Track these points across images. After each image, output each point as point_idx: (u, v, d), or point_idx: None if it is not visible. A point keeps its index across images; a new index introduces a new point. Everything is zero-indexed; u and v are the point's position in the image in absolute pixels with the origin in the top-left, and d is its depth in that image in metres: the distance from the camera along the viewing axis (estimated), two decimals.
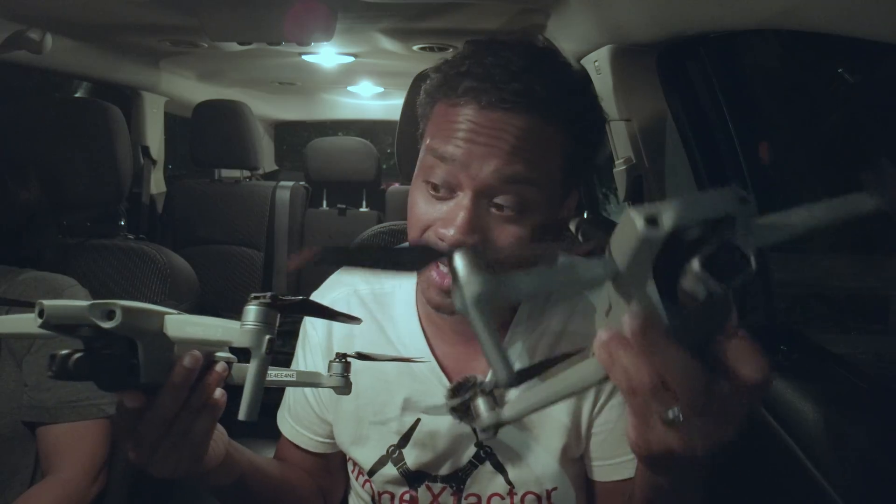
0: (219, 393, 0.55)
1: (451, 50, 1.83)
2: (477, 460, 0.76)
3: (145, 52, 2.08)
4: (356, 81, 2.83)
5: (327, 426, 0.83)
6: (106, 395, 0.92)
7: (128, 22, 1.61)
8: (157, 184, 2.64)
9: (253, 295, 0.47)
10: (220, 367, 0.54)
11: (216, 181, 2.57)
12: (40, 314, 0.46)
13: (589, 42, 1.15)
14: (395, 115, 1.08)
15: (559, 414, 0.74)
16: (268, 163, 3.81)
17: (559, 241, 1.21)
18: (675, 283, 0.33)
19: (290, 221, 2.56)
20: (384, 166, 3.12)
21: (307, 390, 0.83)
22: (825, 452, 0.69)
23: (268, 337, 0.46)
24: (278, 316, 0.47)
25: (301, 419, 0.84)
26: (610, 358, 0.36)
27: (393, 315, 0.80)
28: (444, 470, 0.77)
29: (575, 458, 0.76)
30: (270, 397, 0.48)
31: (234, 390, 0.56)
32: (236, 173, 2.70)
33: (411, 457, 0.77)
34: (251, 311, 0.47)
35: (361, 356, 0.64)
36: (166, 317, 0.50)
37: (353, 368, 0.64)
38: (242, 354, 0.51)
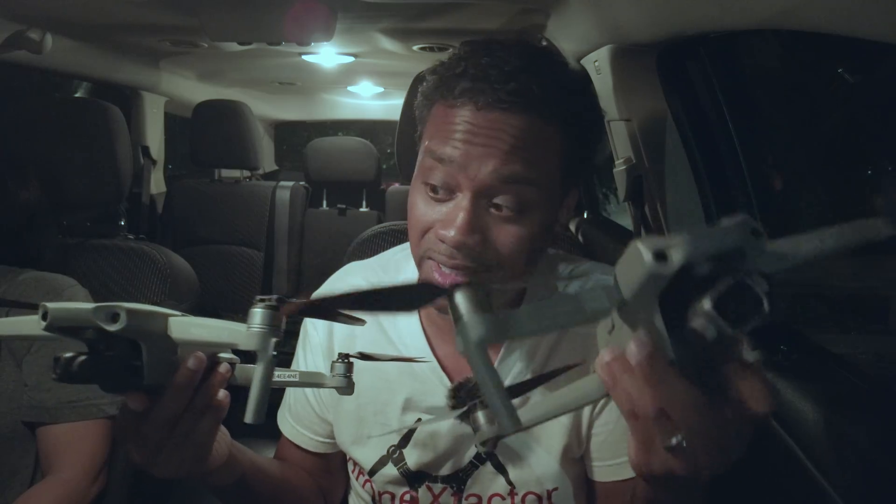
0: (222, 394, 0.55)
1: (451, 50, 1.82)
2: (478, 461, 0.76)
3: (145, 52, 2.07)
4: (356, 81, 2.83)
5: (328, 426, 0.83)
6: (106, 395, 0.92)
7: (128, 22, 1.61)
8: (157, 184, 2.64)
9: (258, 297, 0.47)
10: (223, 368, 0.54)
11: (216, 181, 2.56)
12: (44, 317, 0.45)
13: (589, 42, 1.15)
14: (395, 115, 1.08)
15: None
16: (268, 163, 3.81)
17: (559, 241, 1.21)
18: (682, 314, 0.32)
19: (290, 221, 2.56)
20: (384, 166, 3.12)
21: (308, 390, 0.83)
22: (825, 452, 0.69)
23: (274, 340, 0.46)
24: (284, 318, 0.47)
25: (301, 419, 0.84)
26: (612, 380, 0.36)
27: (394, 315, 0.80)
28: (444, 470, 0.77)
29: (576, 458, 0.76)
30: (271, 397, 0.48)
31: (237, 391, 0.56)
32: (236, 173, 2.69)
33: (412, 457, 0.77)
34: (257, 313, 0.46)
35: (364, 356, 0.64)
36: (170, 319, 0.49)
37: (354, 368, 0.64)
38: (244, 355, 0.51)
